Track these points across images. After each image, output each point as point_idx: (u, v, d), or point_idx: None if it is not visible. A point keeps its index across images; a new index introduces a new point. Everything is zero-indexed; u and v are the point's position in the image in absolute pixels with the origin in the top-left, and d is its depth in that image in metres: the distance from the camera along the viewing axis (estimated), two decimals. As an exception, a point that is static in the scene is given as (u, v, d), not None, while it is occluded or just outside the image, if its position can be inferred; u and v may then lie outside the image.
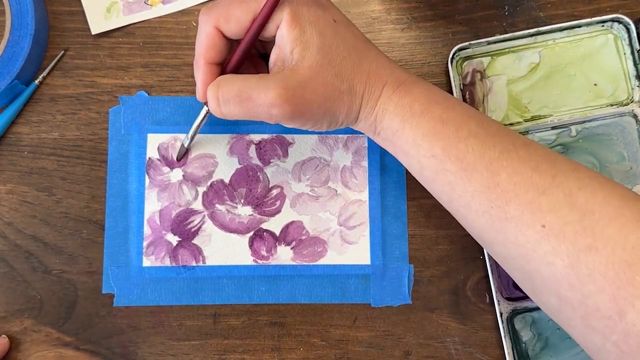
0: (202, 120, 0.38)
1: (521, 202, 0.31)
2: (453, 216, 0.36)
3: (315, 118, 0.34)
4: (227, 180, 0.42)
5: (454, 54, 0.43)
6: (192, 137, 0.40)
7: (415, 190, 0.42)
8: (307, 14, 0.34)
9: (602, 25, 0.43)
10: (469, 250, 0.42)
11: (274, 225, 0.42)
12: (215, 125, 0.42)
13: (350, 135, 0.43)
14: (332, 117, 0.35)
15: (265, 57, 0.38)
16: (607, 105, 0.43)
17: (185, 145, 0.41)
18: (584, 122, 0.43)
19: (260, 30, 0.34)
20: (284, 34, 0.34)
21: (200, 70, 0.35)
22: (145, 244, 0.41)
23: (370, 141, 0.43)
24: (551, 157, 0.33)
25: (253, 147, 0.42)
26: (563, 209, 0.30)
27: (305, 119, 0.34)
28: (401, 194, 0.42)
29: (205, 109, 0.38)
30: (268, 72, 0.37)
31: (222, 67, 0.36)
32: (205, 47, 0.35)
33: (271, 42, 0.36)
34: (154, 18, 0.43)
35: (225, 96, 0.34)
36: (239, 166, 0.42)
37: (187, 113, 0.42)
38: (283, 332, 0.41)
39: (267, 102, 0.33)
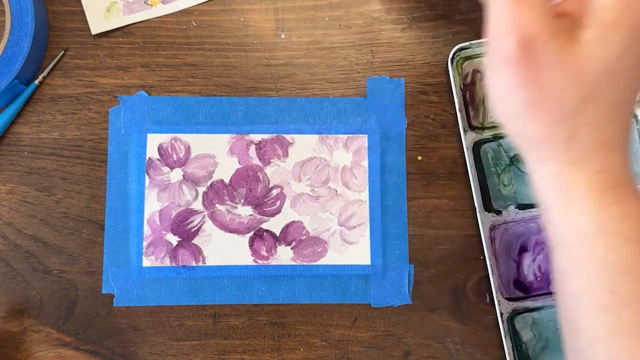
0: None
1: None
2: None
3: (529, 115, 0.28)
4: (227, 180, 0.42)
5: (454, 54, 0.42)
6: None
7: (415, 190, 0.42)
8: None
9: (603, 25, 0.43)
10: (469, 250, 0.42)
11: (274, 225, 0.42)
12: (215, 125, 0.42)
13: (351, 135, 0.43)
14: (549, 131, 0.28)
15: None
16: (608, 105, 0.43)
17: None
18: (585, 122, 0.43)
19: None
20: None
21: None
22: (145, 244, 0.41)
23: (370, 141, 0.43)
24: None
25: (253, 147, 0.42)
26: None
27: (523, 97, 0.28)
28: (401, 194, 0.42)
29: None
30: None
31: None
32: None
33: None
34: (154, 18, 0.43)
35: None
36: (239, 166, 0.42)
37: (187, 113, 0.42)
38: (283, 332, 0.41)
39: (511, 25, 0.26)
